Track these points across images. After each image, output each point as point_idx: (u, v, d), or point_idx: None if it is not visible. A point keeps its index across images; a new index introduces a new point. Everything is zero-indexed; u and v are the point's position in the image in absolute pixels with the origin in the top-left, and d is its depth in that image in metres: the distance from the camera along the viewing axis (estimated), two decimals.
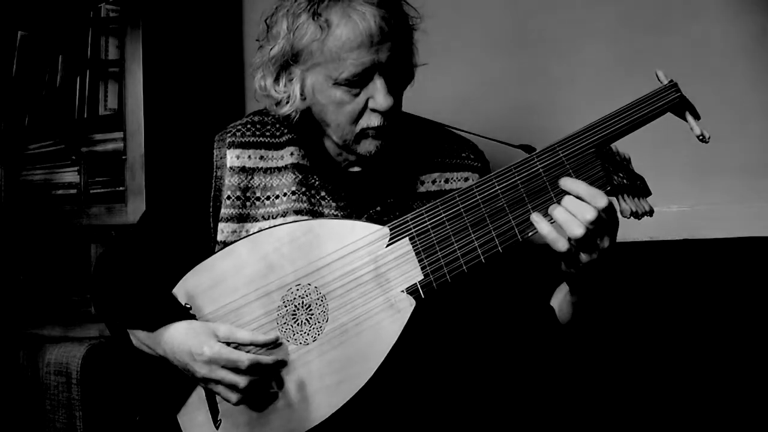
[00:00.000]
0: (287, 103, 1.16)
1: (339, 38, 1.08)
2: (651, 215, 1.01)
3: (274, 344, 1.07)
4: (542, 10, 1.81)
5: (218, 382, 1.06)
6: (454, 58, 1.89)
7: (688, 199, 1.66)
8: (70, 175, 1.94)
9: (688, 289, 1.59)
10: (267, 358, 1.05)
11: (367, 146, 1.15)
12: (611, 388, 1.61)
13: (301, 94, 1.15)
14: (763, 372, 1.51)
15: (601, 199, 0.94)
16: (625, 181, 1.00)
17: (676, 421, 1.57)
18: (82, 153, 1.91)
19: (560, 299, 1.14)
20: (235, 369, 1.04)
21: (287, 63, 1.14)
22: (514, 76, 1.84)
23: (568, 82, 1.78)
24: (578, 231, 0.93)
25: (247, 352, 1.07)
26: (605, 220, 0.95)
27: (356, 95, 1.11)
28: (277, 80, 1.16)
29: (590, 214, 0.93)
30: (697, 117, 1.02)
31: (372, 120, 1.12)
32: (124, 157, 1.81)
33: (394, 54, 1.11)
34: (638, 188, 1.02)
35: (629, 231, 1.69)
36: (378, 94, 1.10)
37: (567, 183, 0.98)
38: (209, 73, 2.00)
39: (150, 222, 1.27)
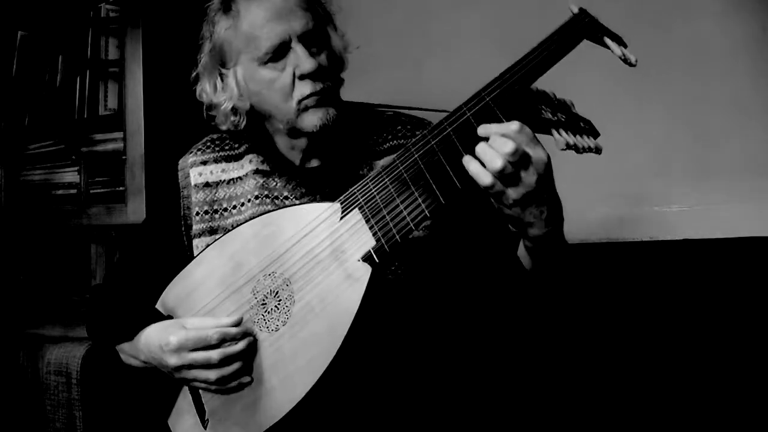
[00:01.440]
0: (228, 100, 1.21)
1: (247, 19, 1.15)
2: (598, 153, 1.00)
3: (239, 324, 1.09)
4: (542, 10, 1.80)
5: (191, 365, 1.08)
6: (454, 57, 1.89)
7: (688, 199, 1.66)
8: (70, 175, 1.94)
9: (688, 289, 1.59)
10: (234, 329, 1.07)
11: (311, 119, 1.16)
12: (610, 389, 1.61)
13: (239, 93, 1.20)
14: (764, 372, 1.51)
15: (513, 125, 0.94)
16: (563, 119, 1.00)
17: (677, 421, 1.57)
18: (82, 153, 1.92)
19: (521, 247, 1.13)
20: (206, 347, 1.07)
21: (217, 65, 1.21)
22: None
23: (569, 82, 1.77)
24: (497, 162, 0.93)
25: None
26: (527, 153, 0.94)
27: (282, 70, 1.15)
28: (215, 86, 1.22)
29: (508, 147, 0.92)
30: (621, 44, 1.00)
31: (304, 89, 1.14)
32: (124, 157, 1.81)
33: (308, 24, 1.15)
34: (581, 128, 1.01)
35: (630, 231, 1.70)
36: (301, 60, 1.13)
37: (484, 128, 0.98)
38: None
39: (134, 252, 1.32)
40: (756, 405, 1.51)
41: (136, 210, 1.78)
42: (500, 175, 0.94)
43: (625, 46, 1.00)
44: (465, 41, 1.89)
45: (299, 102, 1.15)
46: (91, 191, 1.90)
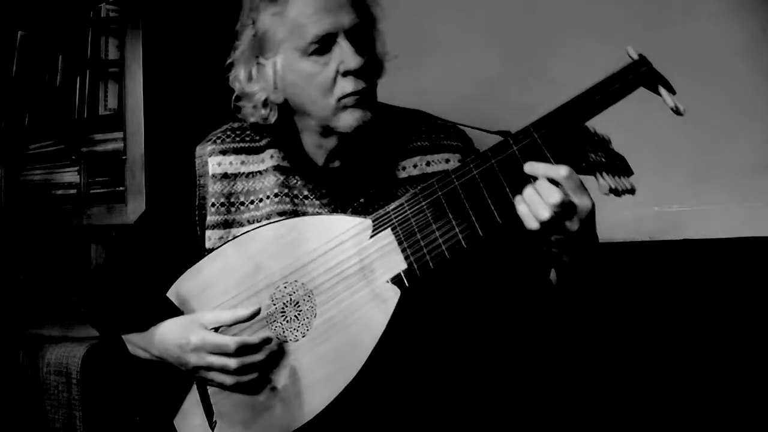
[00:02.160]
0: (261, 90, 1.17)
1: (296, 7, 1.11)
2: (633, 194, 1.00)
3: (257, 315, 1.07)
4: (542, 10, 1.81)
5: (209, 368, 1.07)
6: (454, 58, 1.89)
7: (688, 199, 1.66)
8: (70, 175, 1.94)
9: (688, 289, 1.59)
10: (253, 338, 1.06)
11: (347, 120, 1.12)
12: (610, 388, 1.61)
13: (274, 85, 1.16)
14: (764, 372, 1.51)
15: (562, 171, 0.94)
16: (603, 159, 1.00)
17: (676, 422, 1.57)
18: (82, 153, 1.91)
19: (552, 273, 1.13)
20: (224, 353, 1.06)
21: (255, 53, 1.17)
22: (514, 76, 1.84)
23: (569, 82, 1.77)
24: (544, 213, 0.93)
25: (235, 334, 1.09)
26: (573, 203, 0.94)
27: (326, 64, 1.11)
28: (249, 75, 1.18)
29: (555, 198, 0.92)
30: (671, 91, 1.00)
31: (346, 86, 1.11)
32: (124, 157, 1.81)
33: (356, 21, 1.12)
34: (618, 167, 1.01)
35: (630, 231, 1.70)
36: (346, 56, 1.10)
37: (531, 166, 0.97)
38: (209, 73, 2.00)
39: (142, 236, 1.28)
40: (756, 405, 1.51)
41: (136, 210, 1.78)
42: (544, 223, 0.94)
43: (674, 93, 1.00)
44: (464, 42, 1.89)
45: (339, 100, 1.12)
46: (91, 191, 1.90)
